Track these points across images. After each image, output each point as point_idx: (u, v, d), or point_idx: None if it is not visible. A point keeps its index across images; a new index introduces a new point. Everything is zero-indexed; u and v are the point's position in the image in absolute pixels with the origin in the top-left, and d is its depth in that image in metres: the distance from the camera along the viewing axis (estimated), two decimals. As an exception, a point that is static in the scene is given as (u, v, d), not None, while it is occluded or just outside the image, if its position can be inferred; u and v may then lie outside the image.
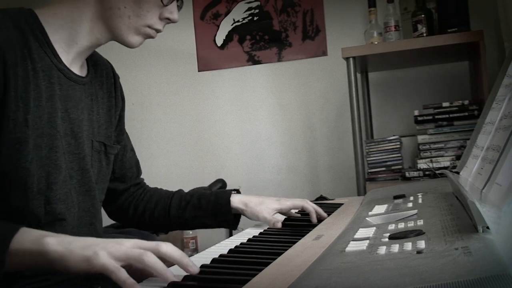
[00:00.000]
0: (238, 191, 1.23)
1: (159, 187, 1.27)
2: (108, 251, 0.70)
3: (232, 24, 2.86)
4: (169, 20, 1.01)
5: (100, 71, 1.10)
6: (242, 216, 1.19)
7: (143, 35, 0.99)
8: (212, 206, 1.17)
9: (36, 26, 0.92)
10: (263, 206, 1.15)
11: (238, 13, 2.85)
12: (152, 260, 0.69)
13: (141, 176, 1.27)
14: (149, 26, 0.98)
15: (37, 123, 0.89)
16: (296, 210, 1.22)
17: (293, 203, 1.17)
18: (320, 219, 1.13)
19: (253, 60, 2.83)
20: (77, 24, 0.95)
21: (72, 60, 0.98)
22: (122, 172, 1.18)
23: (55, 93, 0.93)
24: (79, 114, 0.99)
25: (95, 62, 1.09)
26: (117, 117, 1.13)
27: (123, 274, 0.67)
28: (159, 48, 2.98)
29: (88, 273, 0.70)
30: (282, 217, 1.17)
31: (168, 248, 0.73)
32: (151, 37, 1.01)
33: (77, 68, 1.00)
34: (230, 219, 1.17)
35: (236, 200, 1.17)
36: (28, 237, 0.73)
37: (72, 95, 0.97)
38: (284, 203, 1.17)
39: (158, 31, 1.00)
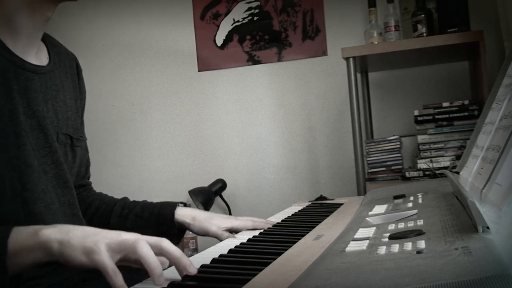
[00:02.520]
0: (185, 205, 1.18)
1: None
2: (107, 243, 0.68)
3: (232, 24, 2.86)
4: None
5: (63, 61, 1.05)
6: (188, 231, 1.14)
7: None
8: (155, 217, 1.12)
9: None
10: (212, 222, 1.10)
11: (238, 13, 2.85)
12: (145, 251, 0.66)
13: (91, 180, 1.22)
14: None
15: None
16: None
17: (244, 224, 1.12)
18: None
19: (253, 60, 2.83)
20: (12, 7, 0.88)
21: (23, 48, 0.91)
22: None
23: (12, 89, 0.88)
24: (43, 106, 0.93)
25: (57, 52, 1.04)
26: (80, 110, 1.09)
27: (118, 281, 0.65)
28: (159, 48, 2.98)
29: (86, 267, 0.68)
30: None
31: (169, 244, 0.71)
32: None
33: (33, 57, 0.94)
34: (173, 232, 1.12)
35: (182, 213, 1.12)
36: (23, 234, 0.71)
37: (30, 86, 0.91)
38: (234, 222, 1.12)
39: None
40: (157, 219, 1.12)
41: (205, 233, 1.11)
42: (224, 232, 1.09)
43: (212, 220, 1.11)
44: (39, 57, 0.97)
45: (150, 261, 0.66)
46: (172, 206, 1.13)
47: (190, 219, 1.11)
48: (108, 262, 0.66)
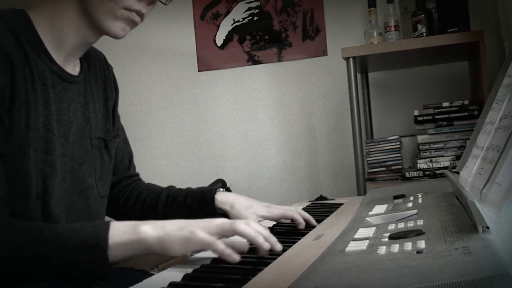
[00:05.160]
0: (228, 189, 1.17)
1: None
2: (202, 227, 0.77)
3: (232, 24, 2.86)
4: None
5: (93, 64, 1.08)
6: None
7: (123, 20, 0.92)
8: (197, 204, 1.13)
9: (29, 29, 0.90)
10: (250, 211, 1.09)
11: (238, 13, 2.85)
12: (244, 227, 0.78)
13: (137, 171, 1.25)
14: (126, 8, 0.91)
15: (35, 127, 0.88)
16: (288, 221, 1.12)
17: (283, 213, 1.09)
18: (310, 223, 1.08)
19: (253, 60, 2.83)
20: (61, 23, 0.93)
21: (64, 60, 0.96)
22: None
23: (49, 96, 0.92)
24: (70, 115, 0.97)
25: (88, 56, 1.06)
26: (111, 109, 1.12)
27: (220, 245, 0.74)
28: (159, 48, 2.98)
29: (186, 251, 0.77)
30: (270, 223, 1.12)
31: (245, 227, 0.80)
32: (134, 21, 0.93)
33: (70, 68, 0.98)
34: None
35: (222, 199, 1.12)
36: (122, 230, 0.77)
37: (64, 96, 0.96)
38: (273, 212, 1.10)
39: (139, 13, 0.93)
40: (199, 205, 1.13)
41: None
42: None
43: (250, 209, 1.10)
44: (74, 67, 1.01)
45: (252, 237, 0.79)
46: (213, 191, 1.13)
47: (229, 206, 1.11)
48: (205, 236, 0.76)
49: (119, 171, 1.18)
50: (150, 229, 0.77)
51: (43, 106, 0.90)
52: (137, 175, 1.25)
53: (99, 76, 1.09)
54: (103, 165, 1.05)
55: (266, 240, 0.80)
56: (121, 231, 0.77)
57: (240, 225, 0.79)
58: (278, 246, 0.81)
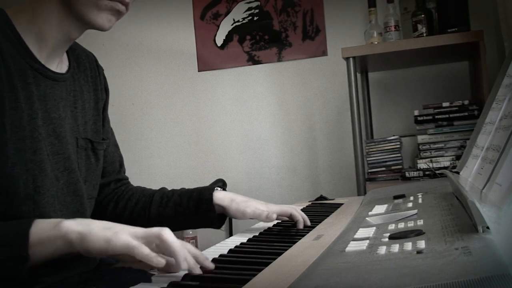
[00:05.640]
0: (223, 188, 1.17)
1: (159, 187, 1.24)
2: (128, 231, 0.72)
3: (232, 24, 2.86)
4: None
5: (83, 64, 1.06)
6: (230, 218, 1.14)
7: (107, 11, 0.90)
8: (194, 203, 1.11)
9: (6, 26, 0.88)
10: (249, 203, 1.10)
11: (238, 13, 2.85)
12: (171, 236, 0.71)
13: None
14: None
15: (17, 125, 0.86)
16: (285, 218, 1.14)
17: (281, 209, 1.11)
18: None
19: (253, 60, 2.83)
20: (44, 19, 0.91)
21: (47, 57, 0.93)
22: (102, 166, 1.12)
23: (32, 94, 0.89)
24: (60, 113, 0.95)
25: (77, 56, 1.05)
26: (101, 110, 1.10)
27: (145, 249, 0.69)
28: (159, 48, 2.98)
29: (107, 254, 0.71)
30: (269, 223, 1.14)
31: (172, 237, 0.74)
32: (119, 11, 0.92)
33: (54, 65, 0.96)
34: (213, 216, 1.10)
35: (220, 197, 1.11)
36: (45, 226, 0.74)
37: (50, 94, 0.94)
38: (271, 208, 1.10)
39: (123, 3, 0.91)
40: (196, 204, 1.11)
41: (242, 215, 1.10)
42: (263, 211, 1.08)
43: (249, 202, 1.11)
44: (60, 65, 0.99)
45: (176, 249, 0.71)
46: (211, 189, 1.13)
47: (227, 202, 1.11)
48: (129, 239, 0.70)
49: (109, 174, 1.16)
50: (73, 224, 0.73)
51: (26, 104, 0.88)
52: (127, 178, 1.23)
53: (89, 76, 1.07)
54: (88, 167, 1.03)
55: (194, 259, 0.74)
56: (42, 228, 0.73)
57: (167, 233, 0.72)
58: (209, 265, 0.75)
